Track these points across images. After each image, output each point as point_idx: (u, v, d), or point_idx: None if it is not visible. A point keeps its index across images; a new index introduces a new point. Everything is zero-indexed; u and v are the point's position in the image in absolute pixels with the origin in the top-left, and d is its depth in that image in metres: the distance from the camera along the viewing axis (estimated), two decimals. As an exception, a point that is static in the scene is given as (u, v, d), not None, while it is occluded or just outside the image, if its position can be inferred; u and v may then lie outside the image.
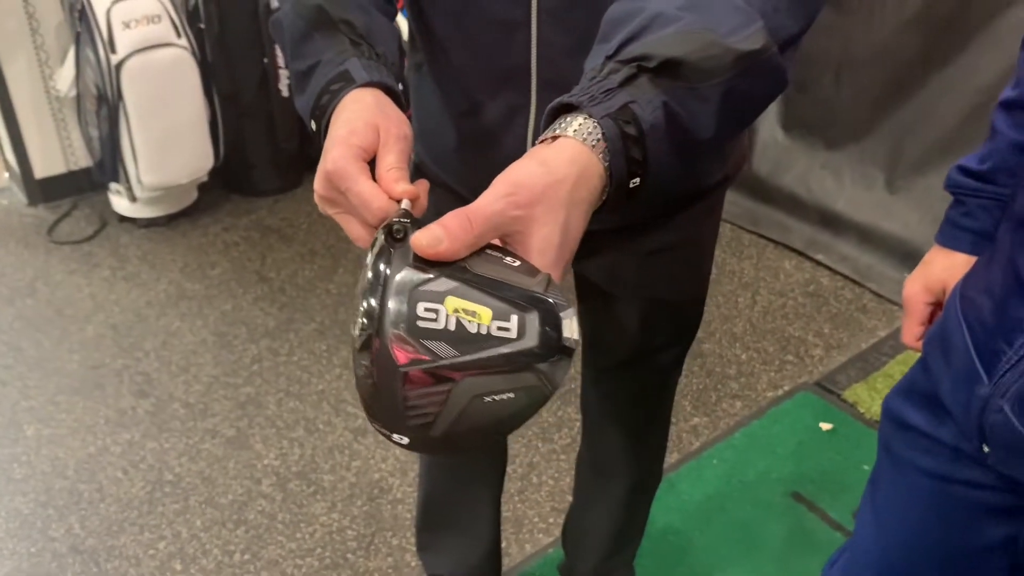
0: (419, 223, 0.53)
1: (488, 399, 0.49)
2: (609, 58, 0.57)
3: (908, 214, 2.49)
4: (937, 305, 0.93)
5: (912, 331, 0.94)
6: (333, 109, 0.70)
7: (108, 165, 2.63)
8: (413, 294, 0.49)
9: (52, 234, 2.74)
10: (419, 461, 1.42)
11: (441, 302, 0.48)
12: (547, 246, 0.53)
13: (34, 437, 2.02)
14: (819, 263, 2.62)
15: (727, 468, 1.91)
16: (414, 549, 1.74)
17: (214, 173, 2.83)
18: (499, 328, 0.48)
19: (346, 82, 0.70)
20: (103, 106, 2.51)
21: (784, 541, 1.74)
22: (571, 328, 0.50)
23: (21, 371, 2.21)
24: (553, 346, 0.50)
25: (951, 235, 0.92)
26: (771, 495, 1.84)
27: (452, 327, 0.48)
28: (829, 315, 2.42)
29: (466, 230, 0.50)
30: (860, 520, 0.94)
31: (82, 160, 2.84)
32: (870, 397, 2.04)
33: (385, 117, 0.68)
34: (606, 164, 0.54)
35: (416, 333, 0.48)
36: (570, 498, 1.57)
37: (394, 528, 1.80)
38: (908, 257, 2.48)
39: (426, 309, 0.48)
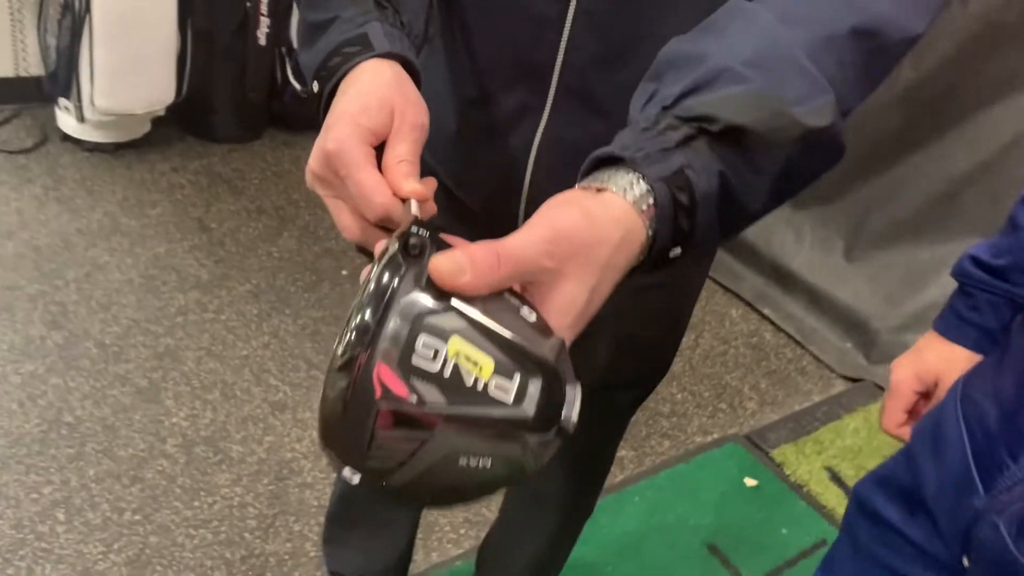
0: (438, 241, 0.47)
1: (463, 461, 0.44)
2: (666, 109, 0.51)
3: (861, 285, 2.50)
4: (924, 395, 0.90)
5: (895, 417, 0.90)
6: (344, 74, 0.62)
7: (61, 79, 2.47)
8: (417, 323, 0.43)
9: (-14, 139, 2.58)
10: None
11: (445, 340, 0.43)
12: (569, 307, 0.47)
13: (-72, 351, 1.88)
14: (765, 317, 2.62)
15: (648, 507, 1.87)
16: (315, 538, 1.66)
17: (172, 109, 2.69)
18: (497, 386, 0.43)
19: (363, 47, 0.63)
20: (67, 15, 2.36)
21: (693, 592, 1.71)
22: (573, 407, 0.45)
23: (-74, 278, 2.06)
24: (549, 423, 0.44)
25: (954, 327, 0.89)
26: (687, 543, 1.81)
27: (448, 373, 0.42)
28: (768, 370, 2.41)
29: (493, 268, 0.44)
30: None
31: (33, 68, 2.66)
32: (797, 460, 2.04)
33: (403, 98, 0.61)
34: (651, 232, 0.49)
35: (408, 368, 0.42)
36: (486, 512, 1.51)
37: (298, 513, 1.72)
38: (854, 328, 2.49)
39: (426, 344, 0.43)
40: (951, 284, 0.91)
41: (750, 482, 1.97)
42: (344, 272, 2.39)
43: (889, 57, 0.58)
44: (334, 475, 1.77)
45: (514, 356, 0.43)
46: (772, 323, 2.60)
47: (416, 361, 0.42)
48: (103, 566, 1.55)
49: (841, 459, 2.06)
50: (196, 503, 1.70)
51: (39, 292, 2.09)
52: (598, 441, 1.22)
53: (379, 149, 0.61)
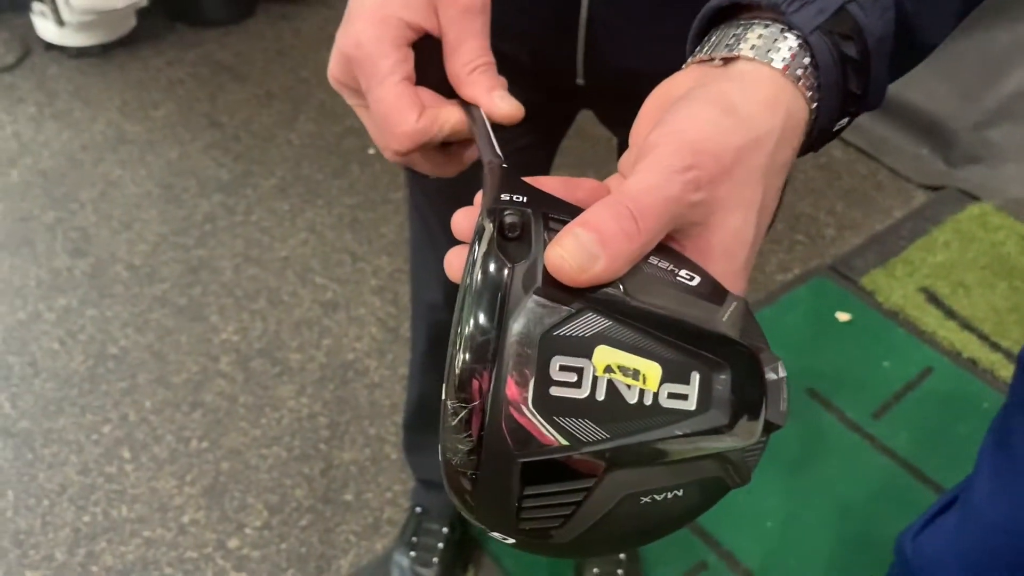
0: (540, 204, 0.34)
1: (645, 499, 0.32)
2: None
3: (934, 84, 2.26)
4: None
5: None
6: None
7: (28, -20, 2.25)
8: (545, 344, 0.31)
9: (-35, 60, 2.38)
10: (410, 363, 1.22)
11: (588, 355, 0.31)
12: (737, 244, 0.34)
13: (-47, 300, 1.76)
14: (829, 132, 2.41)
15: (736, 359, 1.75)
16: (393, 439, 1.57)
17: (155, -3, 2.46)
18: (671, 395, 0.32)
19: None
20: (19, -93, 2.12)
21: (798, 442, 1.60)
22: (780, 392, 0.33)
23: (-66, 221, 1.92)
24: (752, 421, 0.32)
25: None
26: (784, 391, 1.69)
27: (601, 395, 0.31)
28: (842, 191, 2.23)
29: (631, 235, 0.31)
30: (982, 480, 0.76)
31: (-3, -27, 2.44)
32: (889, 285, 1.88)
33: None
34: (814, 104, 0.35)
35: (547, 407, 0.31)
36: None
37: (371, 416, 1.62)
38: (929, 131, 2.28)
39: (563, 367, 0.31)
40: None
41: (843, 316, 1.83)
42: (371, 151, 2.21)
43: None
44: (402, 372, 1.66)
45: (685, 348, 0.32)
46: (839, 138, 2.39)
47: (556, 392, 0.31)
48: (179, 500, 1.48)
49: (936, 277, 1.90)
50: (263, 420, 1.61)
51: (56, 220, 1.95)
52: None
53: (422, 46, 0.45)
